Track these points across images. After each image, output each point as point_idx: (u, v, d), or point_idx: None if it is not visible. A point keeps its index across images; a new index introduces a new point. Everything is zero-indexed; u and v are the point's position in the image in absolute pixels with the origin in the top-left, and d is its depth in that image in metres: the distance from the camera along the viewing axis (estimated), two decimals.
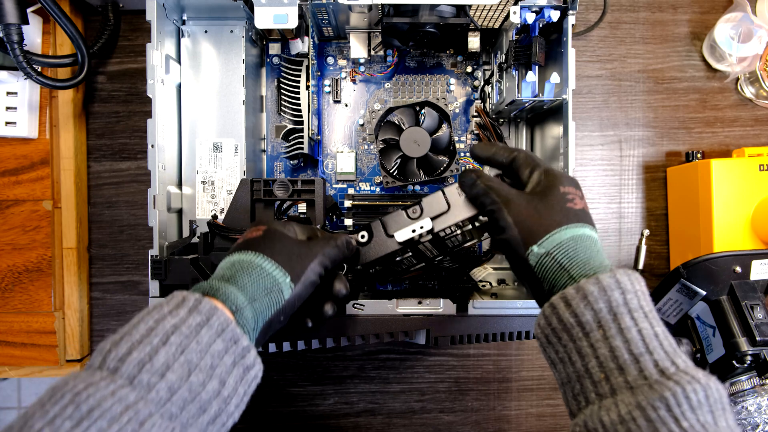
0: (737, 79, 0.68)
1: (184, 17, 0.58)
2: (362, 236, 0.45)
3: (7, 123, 0.61)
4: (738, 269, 0.58)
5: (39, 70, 0.57)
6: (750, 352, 0.56)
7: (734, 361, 0.57)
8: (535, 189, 0.40)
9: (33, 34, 0.61)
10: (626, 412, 0.30)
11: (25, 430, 0.26)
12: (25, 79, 0.59)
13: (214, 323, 0.32)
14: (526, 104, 0.57)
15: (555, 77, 0.53)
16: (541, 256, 0.37)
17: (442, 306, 0.52)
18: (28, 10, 0.58)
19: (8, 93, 0.61)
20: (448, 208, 0.44)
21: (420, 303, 0.51)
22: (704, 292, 0.59)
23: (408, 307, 0.51)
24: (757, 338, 0.55)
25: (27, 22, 0.55)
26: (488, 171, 0.57)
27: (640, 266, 0.68)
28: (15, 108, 0.61)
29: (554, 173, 0.41)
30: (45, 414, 0.27)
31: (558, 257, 0.37)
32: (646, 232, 0.68)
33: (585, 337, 0.33)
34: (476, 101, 0.65)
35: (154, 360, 0.29)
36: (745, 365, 0.56)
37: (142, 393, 0.29)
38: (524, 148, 0.65)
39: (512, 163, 0.43)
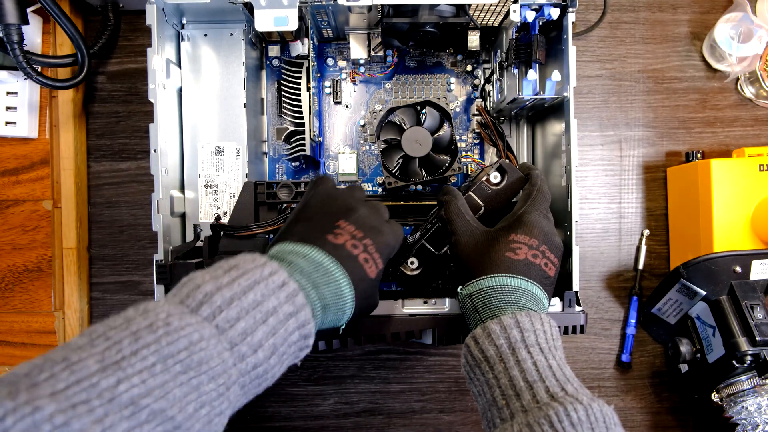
0: (737, 79, 0.68)
1: (184, 21, 0.58)
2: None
3: (7, 123, 0.61)
4: (738, 269, 0.58)
5: (39, 70, 0.57)
6: (750, 352, 0.56)
7: (734, 361, 0.57)
8: (498, 227, 0.46)
9: (33, 34, 0.61)
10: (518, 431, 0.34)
11: (112, 349, 0.27)
12: (25, 79, 0.59)
13: (300, 317, 0.35)
14: (527, 102, 0.57)
15: (556, 75, 0.53)
16: (464, 296, 0.44)
17: (447, 306, 0.52)
18: (28, 10, 0.58)
19: (8, 93, 0.61)
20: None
21: (426, 303, 0.52)
22: (704, 292, 0.59)
23: (414, 307, 0.51)
24: (757, 338, 0.55)
25: (27, 22, 0.55)
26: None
27: (640, 266, 0.68)
28: (15, 108, 0.61)
29: (522, 220, 0.45)
30: (136, 340, 0.28)
31: (475, 301, 0.42)
32: (646, 232, 0.68)
33: (491, 370, 0.38)
34: (477, 100, 0.65)
35: (254, 335, 0.32)
36: (745, 365, 0.56)
37: (237, 361, 0.31)
38: (525, 146, 0.65)
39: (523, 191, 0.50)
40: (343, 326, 0.41)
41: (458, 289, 0.45)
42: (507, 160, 0.52)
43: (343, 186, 0.58)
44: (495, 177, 0.51)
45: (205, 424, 0.29)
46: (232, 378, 0.31)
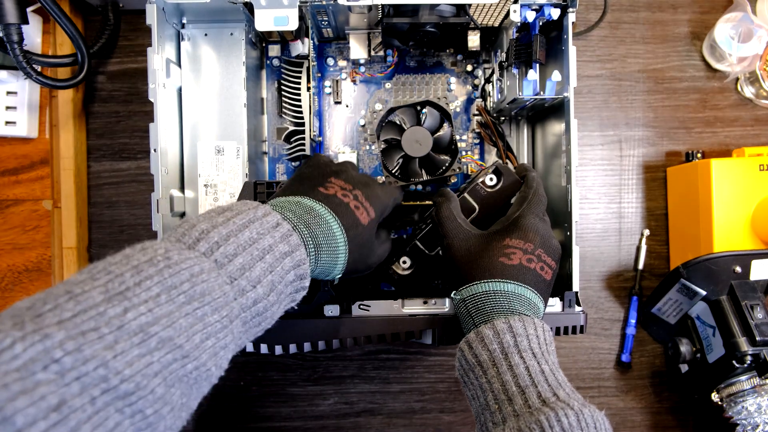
0: (737, 79, 0.68)
1: (184, 21, 0.58)
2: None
3: (7, 123, 0.61)
4: (738, 269, 0.58)
5: (39, 69, 0.57)
6: (750, 352, 0.56)
7: (734, 361, 0.57)
8: (492, 231, 0.46)
9: (33, 34, 0.61)
10: None
11: (115, 282, 0.27)
12: (25, 78, 0.59)
13: (296, 256, 0.35)
14: (528, 103, 0.57)
15: (556, 75, 0.53)
16: (457, 301, 0.44)
17: (447, 306, 0.52)
18: (28, 10, 0.58)
19: (8, 93, 0.61)
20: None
21: (425, 303, 0.51)
22: (704, 292, 0.59)
23: (414, 307, 0.51)
24: (757, 338, 0.55)
25: (27, 22, 0.55)
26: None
27: (640, 266, 0.68)
28: (15, 108, 0.61)
29: (518, 224, 0.45)
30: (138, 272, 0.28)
31: (469, 306, 0.43)
32: (646, 232, 0.68)
33: (484, 375, 0.38)
34: (477, 100, 0.65)
35: (252, 270, 0.32)
36: (745, 365, 0.56)
37: (237, 295, 0.32)
38: (525, 146, 0.65)
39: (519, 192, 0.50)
40: (339, 276, 0.41)
41: (452, 294, 0.45)
42: (503, 163, 0.52)
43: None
44: (491, 179, 0.51)
45: (211, 355, 0.30)
46: (234, 311, 0.31)
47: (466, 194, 0.51)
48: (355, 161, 0.64)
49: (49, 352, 0.23)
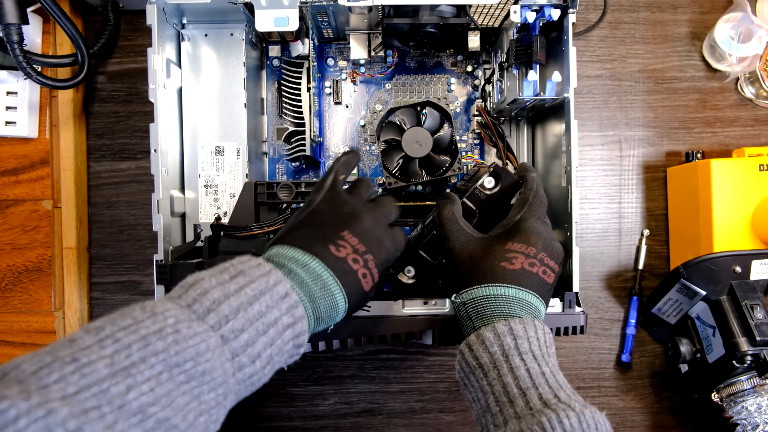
0: (737, 79, 0.68)
1: (184, 21, 0.58)
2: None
3: (7, 123, 0.61)
4: (738, 269, 0.58)
5: (39, 69, 0.57)
6: (750, 352, 0.56)
7: (734, 361, 0.57)
8: (494, 234, 0.46)
9: (33, 34, 0.61)
10: None
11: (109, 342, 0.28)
12: (25, 78, 0.59)
13: (297, 328, 0.35)
14: (528, 103, 0.57)
15: (557, 76, 0.53)
16: (458, 304, 0.44)
17: (448, 306, 0.52)
18: (28, 10, 0.58)
19: (8, 93, 0.61)
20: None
21: (426, 303, 0.52)
22: (704, 292, 0.59)
23: (414, 307, 0.51)
24: (757, 338, 0.55)
25: (27, 22, 0.55)
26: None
27: (640, 266, 0.68)
28: (15, 108, 0.61)
29: (520, 227, 0.45)
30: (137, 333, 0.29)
31: (469, 309, 0.43)
32: (646, 232, 0.68)
33: (485, 377, 0.38)
34: (477, 100, 0.65)
35: (254, 346, 0.32)
36: (745, 365, 0.56)
37: (236, 371, 0.32)
38: (525, 146, 0.66)
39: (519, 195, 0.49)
40: (331, 328, 0.41)
41: (452, 297, 0.45)
42: (500, 164, 0.52)
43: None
44: (489, 182, 0.51)
45: (202, 431, 0.30)
46: (230, 387, 0.32)
47: (465, 199, 0.50)
48: None
49: (51, 430, 0.23)
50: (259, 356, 0.33)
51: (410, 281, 0.53)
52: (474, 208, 0.51)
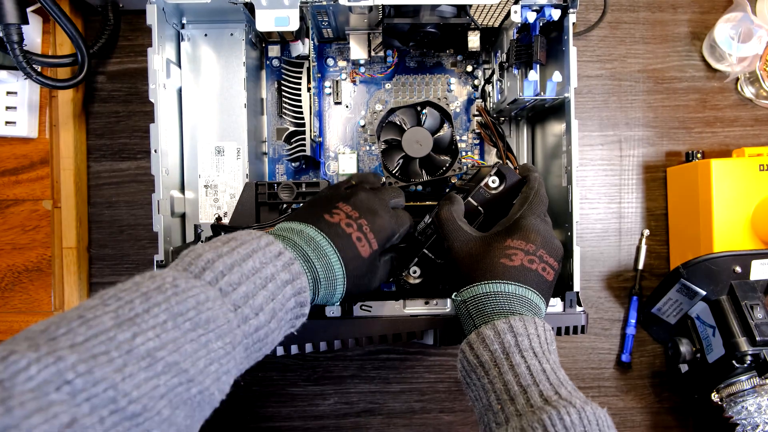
0: (737, 79, 0.69)
1: (184, 21, 0.58)
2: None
3: (6, 123, 0.61)
4: (738, 269, 0.58)
5: (39, 69, 0.57)
6: (750, 352, 0.56)
7: (734, 361, 0.57)
8: (493, 232, 0.46)
9: (33, 34, 0.60)
10: None
11: (124, 308, 0.28)
12: (25, 78, 0.59)
13: (297, 285, 0.36)
14: (528, 103, 0.57)
15: (557, 76, 0.53)
16: (459, 303, 0.44)
17: (449, 306, 0.52)
18: (28, 10, 0.58)
19: (8, 93, 0.61)
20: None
21: (427, 303, 0.52)
22: (704, 292, 0.59)
23: (415, 307, 0.51)
24: (757, 338, 0.55)
25: (27, 22, 0.55)
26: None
27: (640, 266, 0.68)
28: (15, 108, 0.61)
29: (519, 224, 0.45)
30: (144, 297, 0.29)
31: (470, 307, 0.43)
32: (646, 232, 0.69)
33: (486, 375, 0.39)
34: (477, 100, 0.65)
35: (255, 298, 0.33)
36: (745, 365, 0.56)
37: (241, 323, 0.32)
38: (525, 146, 0.66)
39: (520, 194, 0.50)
40: (337, 304, 0.42)
41: (453, 296, 0.45)
42: (504, 164, 0.52)
43: None
44: (493, 181, 0.51)
45: (214, 380, 0.31)
46: (237, 338, 0.32)
47: (470, 198, 0.51)
48: (355, 162, 0.64)
49: (62, 374, 0.24)
50: (261, 309, 0.33)
51: (416, 281, 0.53)
52: (479, 207, 0.51)
